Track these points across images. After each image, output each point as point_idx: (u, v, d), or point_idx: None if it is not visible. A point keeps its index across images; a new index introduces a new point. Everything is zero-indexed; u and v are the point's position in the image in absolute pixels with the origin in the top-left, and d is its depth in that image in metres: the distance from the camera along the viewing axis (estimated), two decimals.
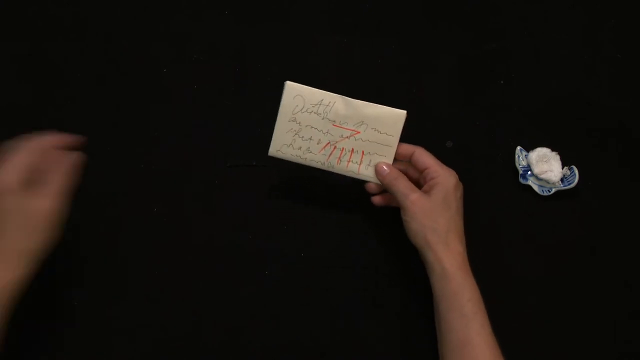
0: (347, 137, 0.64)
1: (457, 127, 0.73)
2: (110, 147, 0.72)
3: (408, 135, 0.72)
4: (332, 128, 0.64)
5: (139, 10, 0.76)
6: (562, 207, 0.71)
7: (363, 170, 0.65)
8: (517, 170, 0.72)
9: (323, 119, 0.64)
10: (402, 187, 0.62)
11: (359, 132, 0.64)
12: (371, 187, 0.66)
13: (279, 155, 0.65)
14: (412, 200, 0.61)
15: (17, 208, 0.49)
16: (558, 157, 0.71)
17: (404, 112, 0.63)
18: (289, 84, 0.63)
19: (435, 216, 0.60)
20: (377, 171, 0.65)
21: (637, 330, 0.68)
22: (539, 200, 0.71)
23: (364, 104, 0.64)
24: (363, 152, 0.65)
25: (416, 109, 0.73)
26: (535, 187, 0.71)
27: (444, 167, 0.62)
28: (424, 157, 0.63)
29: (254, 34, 0.76)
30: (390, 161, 0.65)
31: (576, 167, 0.70)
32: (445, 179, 0.61)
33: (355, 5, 0.76)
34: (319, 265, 0.69)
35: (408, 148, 0.65)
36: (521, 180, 0.71)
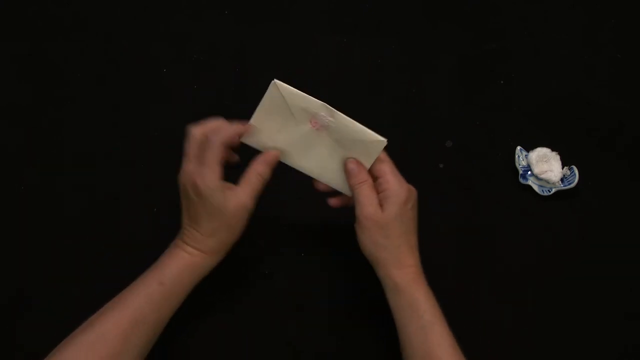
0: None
1: (457, 127, 0.73)
2: (111, 147, 0.72)
3: (408, 135, 0.72)
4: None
5: (139, 10, 0.76)
6: (562, 207, 0.71)
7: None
8: (517, 170, 0.72)
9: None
10: (363, 196, 0.59)
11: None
12: (320, 187, 0.63)
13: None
14: (366, 214, 0.58)
15: (221, 208, 0.56)
16: (558, 157, 0.71)
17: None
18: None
19: (388, 232, 0.58)
20: (346, 168, 0.60)
21: (637, 330, 0.68)
22: (539, 200, 0.71)
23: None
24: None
25: (416, 109, 0.74)
26: (535, 187, 0.71)
27: (398, 178, 0.59)
28: (380, 163, 0.59)
29: (254, 34, 0.76)
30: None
31: (576, 167, 0.70)
32: (397, 192, 0.58)
33: (355, 5, 0.76)
34: (319, 265, 0.69)
35: None
36: (521, 180, 0.71)
